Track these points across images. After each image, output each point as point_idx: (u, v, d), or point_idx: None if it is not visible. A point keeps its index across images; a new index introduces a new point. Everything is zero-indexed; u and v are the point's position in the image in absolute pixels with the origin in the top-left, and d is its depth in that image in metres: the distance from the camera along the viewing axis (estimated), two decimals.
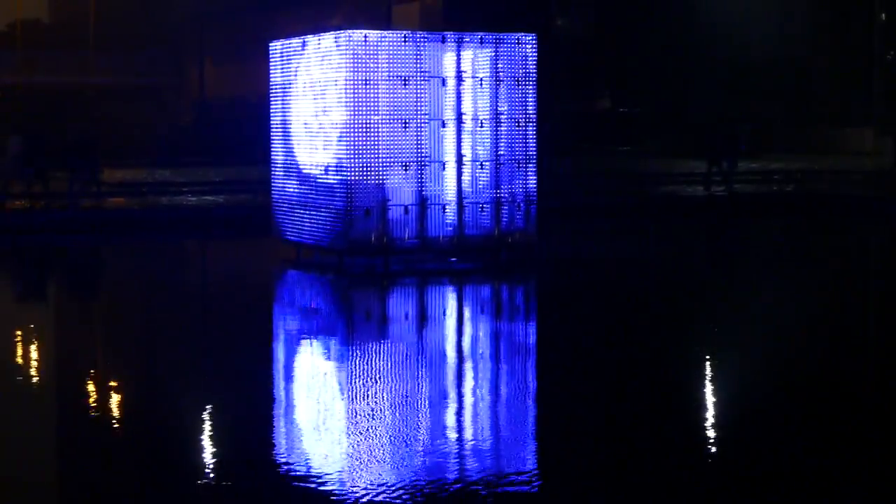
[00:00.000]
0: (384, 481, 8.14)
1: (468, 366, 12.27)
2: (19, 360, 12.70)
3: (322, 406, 10.61)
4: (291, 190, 19.60)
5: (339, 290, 17.88)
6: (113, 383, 11.55)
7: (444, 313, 15.81)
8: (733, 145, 31.47)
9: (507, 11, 45.09)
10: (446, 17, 49.48)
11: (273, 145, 20.20)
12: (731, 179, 31.09)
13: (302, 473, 8.38)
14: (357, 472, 8.48)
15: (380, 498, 7.78)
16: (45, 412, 10.69)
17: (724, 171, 31.04)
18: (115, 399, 10.86)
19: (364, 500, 7.76)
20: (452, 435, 9.45)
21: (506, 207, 18.75)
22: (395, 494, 7.85)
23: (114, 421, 10.04)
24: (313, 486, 8.10)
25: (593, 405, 10.59)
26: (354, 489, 8.02)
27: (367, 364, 12.58)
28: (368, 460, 8.77)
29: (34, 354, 13.17)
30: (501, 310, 16.04)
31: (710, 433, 9.63)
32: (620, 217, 27.10)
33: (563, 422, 9.99)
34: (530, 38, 18.94)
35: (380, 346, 13.43)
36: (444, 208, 18.37)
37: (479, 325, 14.79)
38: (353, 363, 12.55)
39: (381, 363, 12.62)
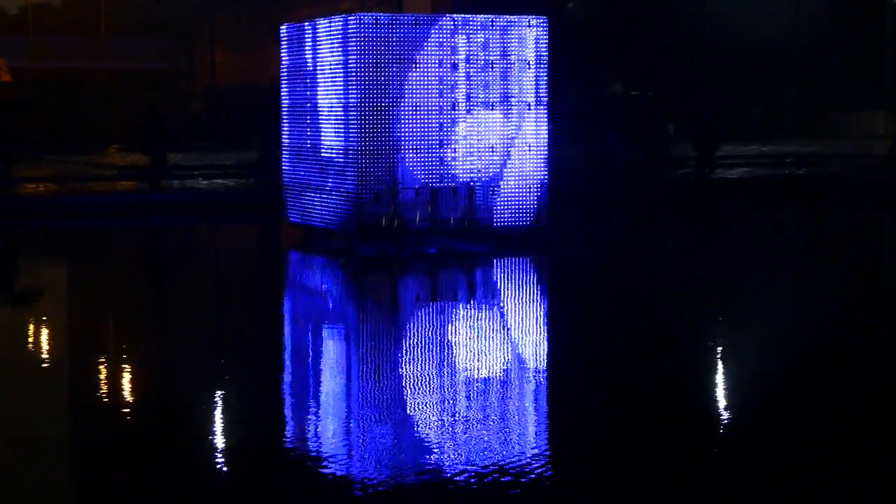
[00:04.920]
0: (408, 462, 8.16)
1: (481, 347, 12.27)
2: None
3: (334, 384, 10.63)
4: (302, 173, 19.63)
5: (350, 273, 17.90)
6: (128, 358, 11.60)
7: (456, 295, 15.82)
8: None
9: None
10: (457, 0, 49.36)
11: (284, 129, 20.25)
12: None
13: (308, 448, 8.41)
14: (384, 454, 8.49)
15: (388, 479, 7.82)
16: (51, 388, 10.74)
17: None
18: (131, 373, 10.91)
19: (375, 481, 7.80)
20: (457, 416, 9.46)
21: (517, 190, 18.73)
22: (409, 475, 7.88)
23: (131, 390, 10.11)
24: (323, 465, 8.13)
25: (608, 389, 10.58)
26: (367, 472, 8.04)
27: (387, 345, 12.59)
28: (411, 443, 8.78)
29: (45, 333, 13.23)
30: (515, 291, 16.03)
31: (723, 427, 9.62)
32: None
33: (577, 406, 10.00)
34: (542, 20, 18.91)
35: (397, 329, 13.44)
36: (455, 191, 18.36)
37: (493, 307, 14.78)
38: (370, 345, 12.56)
39: (400, 345, 12.62)
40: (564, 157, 28.79)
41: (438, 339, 12.85)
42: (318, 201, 19.11)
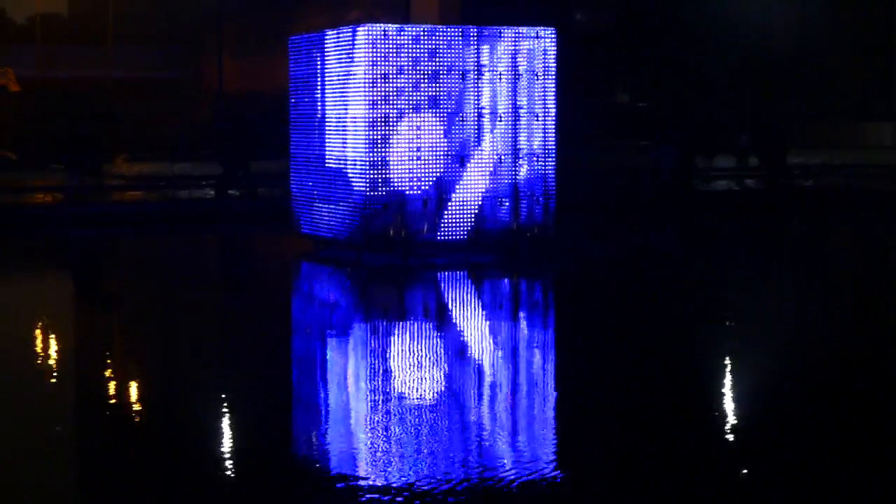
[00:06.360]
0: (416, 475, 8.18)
1: (491, 359, 12.27)
2: None
3: (341, 393, 10.65)
4: (310, 184, 19.66)
5: (358, 284, 17.91)
6: (130, 369, 11.62)
7: (465, 306, 15.83)
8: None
9: (526, 5, 45.04)
10: (465, 10, 49.51)
11: (292, 139, 20.30)
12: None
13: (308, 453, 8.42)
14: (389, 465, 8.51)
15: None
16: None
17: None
18: (134, 385, 10.93)
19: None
20: (471, 427, 9.47)
21: (524, 202, 18.74)
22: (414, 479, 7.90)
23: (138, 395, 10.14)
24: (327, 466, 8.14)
25: (615, 398, 10.58)
26: (375, 477, 8.05)
27: (402, 355, 12.60)
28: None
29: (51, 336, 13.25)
30: (522, 303, 16.04)
31: (728, 437, 9.62)
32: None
33: (585, 416, 10.00)
34: (550, 31, 18.93)
35: (407, 338, 13.45)
36: (462, 202, 18.37)
37: (499, 318, 14.79)
38: (381, 354, 12.56)
39: (411, 355, 12.64)
40: (570, 165, 28.79)
41: (443, 349, 12.87)
42: (325, 212, 19.14)
